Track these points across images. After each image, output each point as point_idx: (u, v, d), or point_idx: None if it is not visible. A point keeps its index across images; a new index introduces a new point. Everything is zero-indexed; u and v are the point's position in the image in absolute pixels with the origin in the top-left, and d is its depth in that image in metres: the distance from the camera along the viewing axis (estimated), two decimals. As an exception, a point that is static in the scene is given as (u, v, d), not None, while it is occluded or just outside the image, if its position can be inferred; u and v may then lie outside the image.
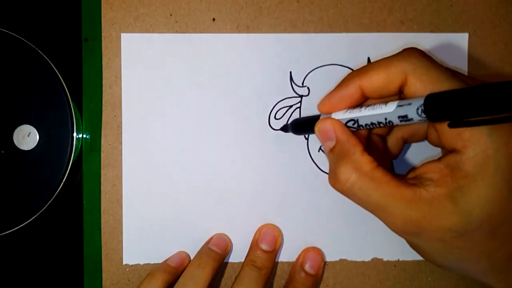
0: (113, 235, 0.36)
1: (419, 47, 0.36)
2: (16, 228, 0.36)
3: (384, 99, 0.29)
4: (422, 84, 0.27)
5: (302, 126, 0.34)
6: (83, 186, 0.36)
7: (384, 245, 0.37)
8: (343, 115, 0.29)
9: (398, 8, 0.37)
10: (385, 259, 0.37)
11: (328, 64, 0.36)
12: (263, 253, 0.35)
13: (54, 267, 0.38)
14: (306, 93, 0.36)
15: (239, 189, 0.36)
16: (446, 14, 0.37)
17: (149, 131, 0.36)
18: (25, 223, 0.36)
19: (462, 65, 0.37)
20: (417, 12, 0.37)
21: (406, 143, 0.34)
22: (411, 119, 0.26)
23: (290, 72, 0.36)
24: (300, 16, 0.36)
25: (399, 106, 0.26)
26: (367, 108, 0.28)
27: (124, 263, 0.36)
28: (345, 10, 0.36)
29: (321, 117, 0.31)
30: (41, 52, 0.36)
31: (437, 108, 0.25)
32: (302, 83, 0.36)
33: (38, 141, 0.36)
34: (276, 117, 0.36)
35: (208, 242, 0.36)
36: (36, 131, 0.36)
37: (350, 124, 0.29)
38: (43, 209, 0.36)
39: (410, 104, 0.26)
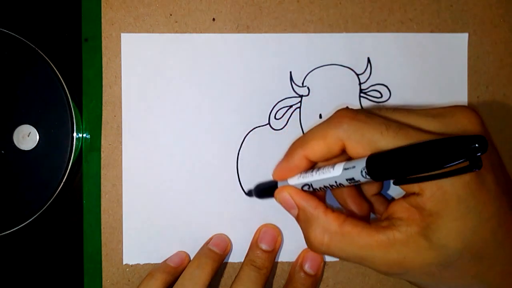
0: (113, 235, 0.36)
1: (419, 47, 0.37)
2: (16, 228, 0.36)
3: (331, 160, 0.30)
4: (359, 146, 0.28)
5: (264, 192, 0.35)
6: (83, 186, 0.36)
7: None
8: (297, 180, 0.31)
9: (398, 8, 0.37)
10: (385, 259, 0.37)
11: (328, 64, 0.36)
12: (262, 253, 0.35)
13: (54, 267, 0.38)
14: (306, 93, 0.36)
15: (239, 189, 0.36)
16: (446, 14, 0.37)
17: (149, 131, 0.36)
18: (25, 223, 0.36)
19: (462, 65, 0.37)
20: (417, 12, 0.37)
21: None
22: (358, 181, 0.28)
23: (290, 72, 0.36)
24: (300, 16, 0.36)
25: (344, 169, 0.28)
26: (318, 172, 0.30)
27: (124, 263, 0.36)
28: (345, 10, 0.36)
29: (278, 185, 0.33)
30: (41, 52, 0.36)
31: (379, 169, 0.26)
32: (302, 83, 0.36)
33: (38, 141, 0.36)
34: (276, 117, 0.36)
35: (207, 242, 0.36)
36: (36, 131, 0.36)
37: (305, 188, 0.31)
38: (43, 209, 0.36)
39: (354, 167, 0.27)
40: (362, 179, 0.27)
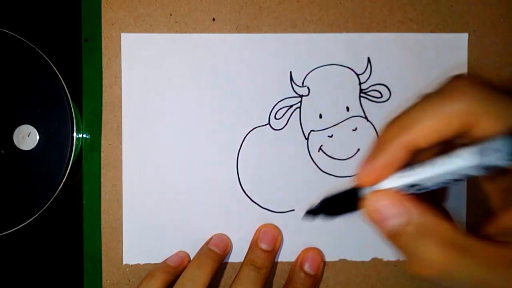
0: (113, 235, 0.36)
1: (419, 47, 0.36)
2: (16, 228, 0.36)
3: (429, 151, 0.24)
4: (495, 121, 0.21)
5: (339, 206, 0.25)
6: (83, 186, 0.36)
7: (384, 245, 0.37)
8: (396, 181, 0.23)
9: (398, 8, 0.37)
10: (385, 259, 0.37)
11: (328, 64, 0.36)
12: (262, 252, 0.35)
13: (54, 267, 0.38)
14: (306, 93, 0.36)
15: (239, 189, 0.36)
16: (446, 14, 0.37)
17: (149, 131, 0.36)
18: (25, 223, 0.36)
19: (462, 65, 0.37)
20: (417, 12, 0.37)
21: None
22: (496, 167, 0.21)
23: (290, 72, 0.36)
24: (300, 16, 0.36)
25: (482, 155, 0.21)
26: (430, 165, 0.22)
27: (124, 263, 0.36)
28: (345, 10, 0.36)
29: (366, 192, 0.24)
30: (41, 52, 0.36)
31: None
32: (302, 83, 0.36)
33: (38, 141, 0.36)
34: (276, 117, 0.36)
35: (208, 242, 0.36)
36: (36, 131, 0.36)
37: (412, 190, 0.23)
38: (43, 209, 0.36)
39: (498, 150, 0.20)
40: (504, 164, 0.20)
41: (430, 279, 0.22)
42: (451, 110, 0.21)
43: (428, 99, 0.23)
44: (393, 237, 0.23)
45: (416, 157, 0.23)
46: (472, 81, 0.22)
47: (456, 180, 0.22)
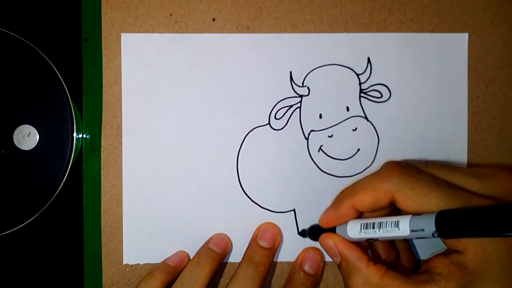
0: (113, 235, 0.36)
1: (419, 47, 0.37)
2: (16, 228, 0.36)
3: (378, 212, 0.32)
4: (409, 200, 0.29)
5: (315, 235, 0.35)
6: (83, 186, 0.36)
7: (384, 245, 0.37)
8: (358, 235, 0.32)
9: (398, 8, 0.37)
10: (385, 259, 0.37)
11: (328, 64, 0.36)
12: (261, 250, 0.35)
13: (54, 267, 0.38)
14: (306, 93, 0.36)
15: (239, 189, 0.36)
16: (446, 14, 0.37)
17: (149, 131, 0.36)
18: (25, 223, 0.36)
19: (462, 65, 0.37)
20: (417, 12, 0.37)
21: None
22: (424, 237, 0.29)
23: (290, 72, 0.36)
24: (300, 16, 0.36)
25: (412, 231, 0.29)
26: (382, 230, 0.30)
27: (124, 263, 0.36)
28: (345, 10, 0.36)
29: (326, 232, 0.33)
30: (41, 52, 0.36)
31: (449, 229, 0.27)
32: (302, 83, 0.36)
33: (38, 141, 0.36)
34: (276, 117, 0.36)
35: (207, 242, 0.36)
36: (36, 131, 0.36)
37: (368, 239, 0.32)
38: (43, 209, 0.36)
39: (423, 230, 0.28)
40: (430, 237, 0.28)
41: None
42: (378, 188, 0.30)
43: (369, 176, 0.32)
44: (338, 268, 0.32)
45: (363, 215, 0.33)
46: (401, 168, 0.30)
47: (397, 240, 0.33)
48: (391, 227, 0.30)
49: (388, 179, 0.30)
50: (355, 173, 0.36)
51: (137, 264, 0.36)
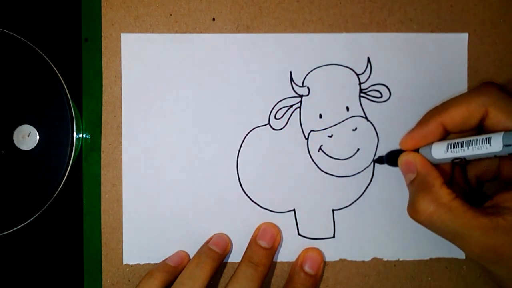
0: (113, 235, 0.36)
1: (419, 47, 0.37)
2: (16, 228, 0.36)
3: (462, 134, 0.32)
4: (504, 115, 0.29)
5: (392, 158, 0.35)
6: (83, 186, 0.36)
7: (384, 245, 0.37)
8: (444, 155, 0.31)
9: (398, 8, 0.37)
10: (385, 259, 0.37)
11: (328, 64, 0.36)
12: (261, 249, 0.35)
13: (54, 267, 0.38)
14: (306, 93, 0.36)
15: (239, 189, 0.36)
16: (446, 14, 0.37)
17: (149, 131, 0.36)
18: (25, 223, 0.36)
19: (462, 65, 0.37)
20: (417, 12, 0.37)
21: (480, 180, 0.35)
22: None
23: (290, 72, 0.36)
24: (300, 16, 0.36)
25: (506, 146, 0.28)
26: (470, 148, 0.30)
27: (124, 263, 0.36)
28: (345, 10, 0.36)
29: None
30: (41, 52, 0.36)
31: None
32: (302, 83, 0.36)
33: (38, 141, 0.36)
34: (276, 117, 0.36)
35: (208, 242, 0.36)
36: (36, 131, 0.36)
37: (456, 160, 0.32)
38: (43, 209, 0.36)
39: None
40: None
41: (418, 222, 0.31)
42: (474, 101, 0.30)
43: (462, 94, 0.32)
44: (408, 185, 0.32)
45: (446, 136, 0.32)
46: (496, 86, 0.31)
47: (487, 158, 0.30)
48: (482, 143, 0.29)
49: (485, 93, 0.30)
50: (355, 173, 0.36)
51: (137, 264, 0.36)
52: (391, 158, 0.35)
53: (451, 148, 0.31)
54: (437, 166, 0.32)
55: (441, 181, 0.30)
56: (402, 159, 0.33)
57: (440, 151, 0.31)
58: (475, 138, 0.30)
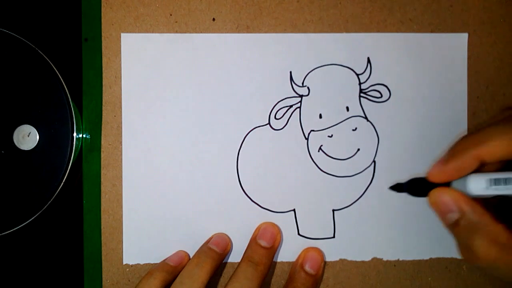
0: (113, 235, 0.36)
1: (419, 47, 0.37)
2: (16, 228, 0.36)
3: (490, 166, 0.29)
4: None
5: (418, 190, 0.31)
6: (83, 186, 0.36)
7: (384, 245, 0.37)
8: (485, 191, 0.28)
9: (398, 8, 0.37)
10: (385, 259, 0.37)
11: (328, 64, 0.36)
12: (261, 249, 0.35)
13: (54, 267, 0.38)
14: (306, 93, 0.36)
15: (239, 189, 0.36)
16: (446, 14, 0.37)
17: (149, 131, 0.36)
18: (25, 223, 0.36)
19: (462, 65, 0.37)
20: (417, 12, 0.37)
21: None
22: None
23: (290, 72, 0.36)
24: (300, 16, 0.36)
25: None
26: None
27: (124, 263, 0.36)
28: (345, 10, 0.36)
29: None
30: (41, 52, 0.36)
31: None
32: (302, 83, 0.36)
33: (38, 141, 0.36)
34: (276, 117, 0.36)
35: (208, 241, 0.36)
36: (36, 131, 0.36)
37: (497, 196, 0.29)
38: (43, 209, 0.36)
39: None
40: None
41: (478, 267, 0.27)
42: None
43: (499, 123, 0.28)
44: (450, 227, 0.29)
45: (480, 169, 0.29)
46: None
47: None
48: None
49: None
50: (355, 173, 0.36)
51: (137, 264, 0.36)
52: (415, 188, 0.31)
53: (493, 184, 0.28)
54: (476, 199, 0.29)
55: (491, 218, 0.27)
56: (436, 198, 0.29)
57: (479, 186, 0.28)
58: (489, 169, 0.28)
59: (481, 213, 0.27)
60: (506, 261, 0.26)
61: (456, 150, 0.29)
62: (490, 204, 0.30)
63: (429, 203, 0.30)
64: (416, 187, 0.31)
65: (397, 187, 0.32)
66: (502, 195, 0.28)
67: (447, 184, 0.30)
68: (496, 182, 0.28)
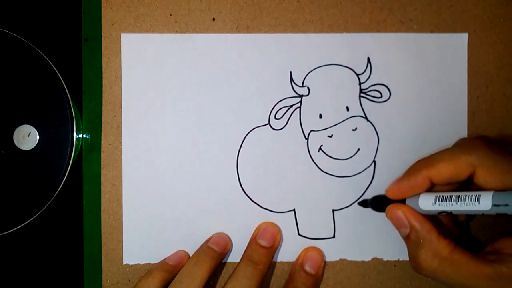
0: (113, 235, 0.36)
1: (419, 47, 0.37)
2: (16, 228, 0.36)
3: (449, 186, 0.32)
4: (492, 176, 0.29)
5: (378, 205, 0.35)
6: (83, 186, 0.36)
7: (384, 245, 0.37)
8: (431, 207, 0.31)
9: (398, 8, 0.37)
10: (385, 259, 0.37)
11: (328, 64, 0.36)
12: (260, 248, 0.35)
13: (54, 267, 0.38)
14: (306, 93, 0.36)
15: (239, 189, 0.36)
16: (446, 14, 0.37)
17: (149, 131, 0.36)
18: (25, 223, 0.36)
19: (462, 65, 0.37)
20: (417, 12, 0.37)
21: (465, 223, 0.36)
22: (505, 213, 0.28)
23: (290, 72, 0.36)
24: (300, 16, 0.36)
25: (495, 205, 0.28)
26: (459, 203, 0.30)
27: (124, 263, 0.36)
28: (345, 10, 0.36)
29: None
30: (41, 52, 0.36)
31: None
32: (302, 83, 0.36)
33: (38, 141, 0.36)
34: (276, 117, 0.36)
35: (207, 241, 0.36)
36: (36, 131, 0.36)
37: (442, 214, 0.31)
38: (43, 209, 0.36)
39: (507, 205, 0.28)
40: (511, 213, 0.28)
41: (424, 275, 0.31)
42: (462, 159, 0.30)
43: (450, 148, 0.32)
44: (404, 239, 0.32)
45: (432, 188, 0.32)
46: (486, 143, 0.30)
47: (474, 215, 0.32)
48: (471, 200, 0.29)
49: (473, 152, 0.30)
50: (355, 173, 0.36)
51: (137, 264, 0.36)
52: (376, 204, 0.35)
53: (439, 201, 0.31)
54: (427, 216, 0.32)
55: (437, 233, 0.30)
56: (391, 213, 0.32)
57: (428, 203, 0.31)
58: (464, 194, 0.30)
59: (428, 229, 0.30)
60: (445, 272, 0.29)
61: (410, 170, 0.32)
62: (456, 221, 0.34)
63: (387, 218, 0.33)
64: (378, 203, 0.35)
65: (363, 203, 0.36)
66: (449, 211, 0.30)
67: (403, 201, 0.33)
68: (443, 198, 0.30)
